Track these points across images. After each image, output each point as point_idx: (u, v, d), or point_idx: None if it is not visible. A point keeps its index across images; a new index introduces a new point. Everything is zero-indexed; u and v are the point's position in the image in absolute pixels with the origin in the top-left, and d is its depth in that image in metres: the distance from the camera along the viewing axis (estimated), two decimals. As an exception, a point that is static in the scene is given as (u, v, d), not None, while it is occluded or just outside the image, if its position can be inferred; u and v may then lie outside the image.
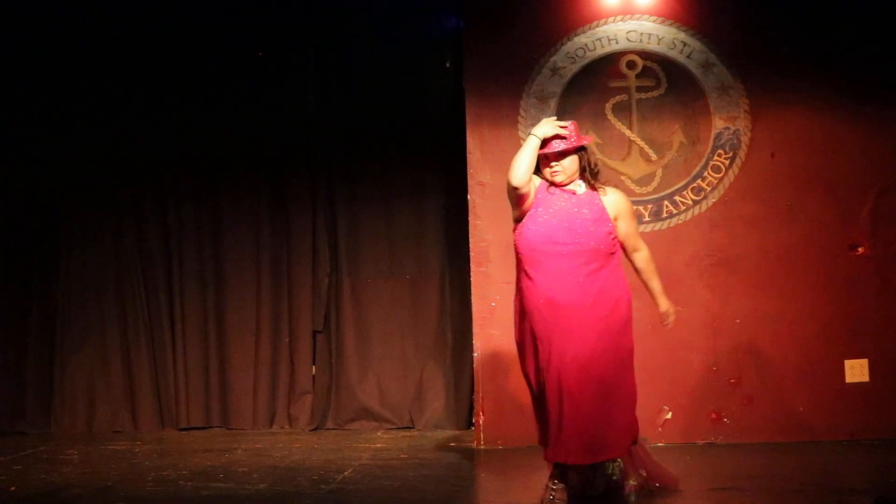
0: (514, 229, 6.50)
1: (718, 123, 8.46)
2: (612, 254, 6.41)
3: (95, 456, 8.43)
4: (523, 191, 6.33)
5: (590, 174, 6.47)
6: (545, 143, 6.36)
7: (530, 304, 6.35)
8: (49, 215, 9.76)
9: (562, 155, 6.37)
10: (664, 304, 6.74)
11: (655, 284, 6.70)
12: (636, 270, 6.68)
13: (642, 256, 6.63)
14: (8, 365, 9.70)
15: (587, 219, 6.35)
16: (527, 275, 6.37)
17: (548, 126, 6.36)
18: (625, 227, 6.50)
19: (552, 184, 6.42)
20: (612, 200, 6.47)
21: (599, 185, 6.47)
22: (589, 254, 6.31)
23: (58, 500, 6.87)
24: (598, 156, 6.71)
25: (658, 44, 8.47)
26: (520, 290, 6.45)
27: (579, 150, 6.42)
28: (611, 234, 6.40)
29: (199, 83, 9.64)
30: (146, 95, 9.65)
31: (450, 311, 9.46)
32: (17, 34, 9.64)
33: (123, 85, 9.65)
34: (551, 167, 6.39)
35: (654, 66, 8.50)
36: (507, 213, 6.58)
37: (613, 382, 6.34)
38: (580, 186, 6.44)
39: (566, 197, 6.40)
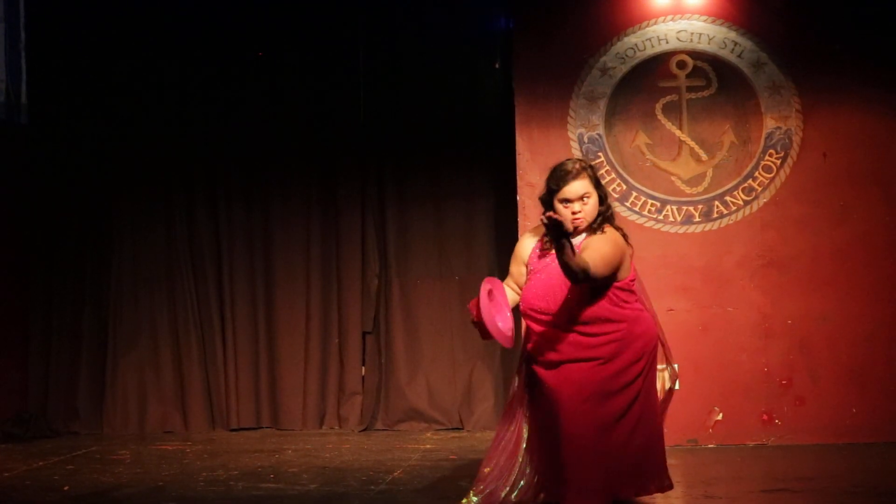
0: None
1: (770, 123, 8.41)
2: (619, 304, 5.85)
3: (147, 456, 8.49)
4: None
5: (598, 224, 5.84)
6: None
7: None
8: (102, 216, 9.83)
9: (582, 192, 5.78)
10: None
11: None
12: None
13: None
14: (62, 365, 9.78)
15: (563, 284, 5.76)
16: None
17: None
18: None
19: (571, 231, 5.73)
20: (585, 244, 5.78)
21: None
22: (568, 316, 5.82)
23: (110, 499, 6.92)
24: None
25: (708, 43, 8.43)
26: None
27: (600, 190, 5.87)
28: (595, 289, 5.78)
29: (251, 83, 9.69)
30: (198, 95, 9.70)
31: (499, 312, 9.45)
32: (73, 35, 9.74)
33: (175, 84, 9.71)
34: (574, 213, 5.77)
35: (705, 65, 8.46)
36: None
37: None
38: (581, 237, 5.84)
39: (549, 262, 5.82)
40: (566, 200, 5.79)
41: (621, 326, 5.85)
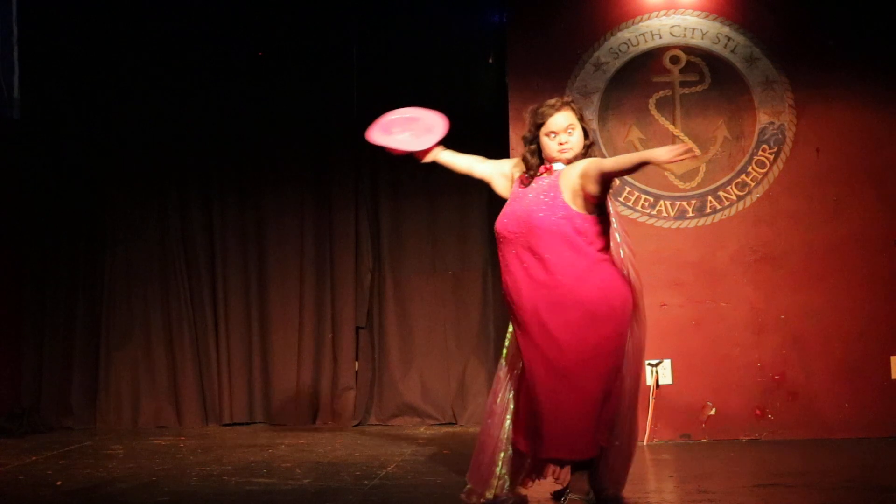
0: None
1: (763, 118, 8.41)
2: (586, 244, 5.92)
3: (140, 451, 8.48)
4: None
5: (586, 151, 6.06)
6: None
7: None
8: (95, 210, 9.82)
9: (566, 124, 5.98)
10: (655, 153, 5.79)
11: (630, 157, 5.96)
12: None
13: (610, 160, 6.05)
14: (55, 360, 9.77)
15: (537, 206, 5.95)
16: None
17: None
18: (594, 171, 5.85)
19: (553, 160, 5.99)
20: (568, 173, 5.95)
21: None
22: (532, 242, 5.92)
23: (103, 494, 6.91)
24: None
25: (702, 38, 8.43)
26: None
27: (583, 124, 6.06)
28: (563, 219, 5.88)
29: (243, 78, 9.67)
30: (191, 89, 9.69)
31: (492, 307, 9.46)
32: (66, 29, 9.73)
33: (169, 80, 9.69)
34: (561, 144, 5.96)
35: (698, 60, 8.47)
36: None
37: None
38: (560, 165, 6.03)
39: (533, 186, 6.01)
40: (552, 133, 6.00)
41: None
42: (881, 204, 8.37)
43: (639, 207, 8.42)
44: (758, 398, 8.34)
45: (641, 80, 8.49)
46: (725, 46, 8.42)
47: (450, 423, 9.44)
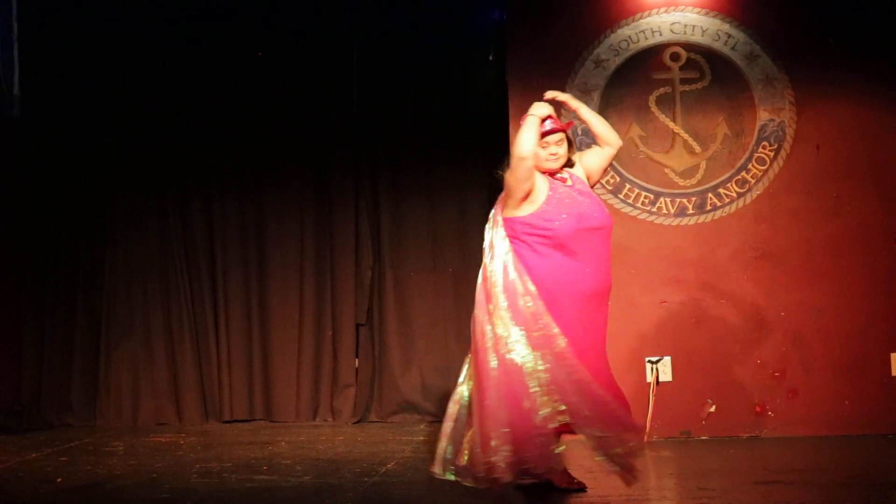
0: (515, 217, 6.46)
1: (763, 115, 8.41)
2: None
3: (140, 448, 8.48)
4: (530, 163, 6.39)
5: (569, 163, 6.65)
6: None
7: (561, 289, 6.39)
8: (96, 208, 9.82)
9: (558, 138, 6.54)
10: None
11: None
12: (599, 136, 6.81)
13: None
14: (55, 358, 9.77)
15: (590, 204, 6.51)
16: (561, 258, 6.39)
17: (544, 107, 6.54)
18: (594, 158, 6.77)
19: (543, 171, 6.53)
20: (579, 169, 6.67)
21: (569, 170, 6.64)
22: (608, 233, 6.53)
23: (103, 491, 6.92)
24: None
25: (702, 35, 8.43)
26: (542, 275, 6.42)
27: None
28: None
29: (243, 78, 9.67)
30: (191, 88, 9.69)
31: (493, 305, 9.45)
32: (66, 27, 9.73)
33: (169, 78, 9.69)
34: (553, 154, 6.52)
35: (698, 57, 8.47)
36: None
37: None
38: (565, 173, 6.61)
39: (562, 184, 6.55)
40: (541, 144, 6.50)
41: None
42: (881, 201, 8.37)
43: (639, 205, 8.42)
44: (758, 395, 8.34)
45: (642, 78, 8.49)
46: (726, 43, 8.42)
47: (450, 421, 9.43)
